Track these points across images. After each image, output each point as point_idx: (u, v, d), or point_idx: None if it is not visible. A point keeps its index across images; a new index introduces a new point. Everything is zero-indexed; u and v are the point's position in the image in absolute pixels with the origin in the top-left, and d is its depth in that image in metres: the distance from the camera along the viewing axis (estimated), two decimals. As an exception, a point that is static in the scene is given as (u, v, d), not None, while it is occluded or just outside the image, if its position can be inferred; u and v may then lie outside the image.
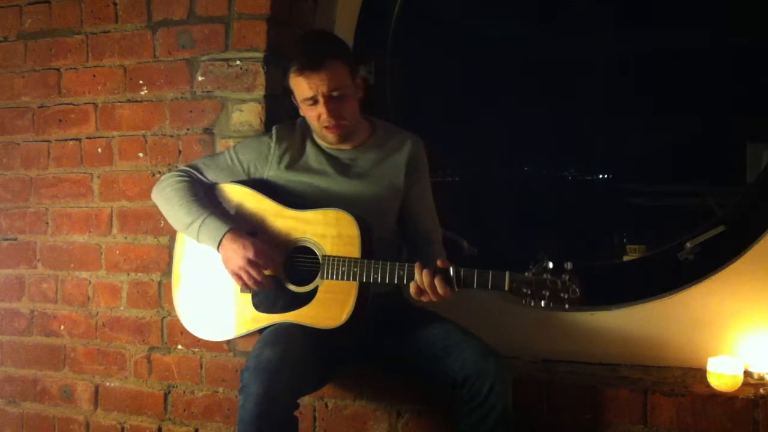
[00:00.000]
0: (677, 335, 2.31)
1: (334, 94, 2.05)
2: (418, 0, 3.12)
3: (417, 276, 1.92)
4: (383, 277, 1.96)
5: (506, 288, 1.87)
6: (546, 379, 2.18)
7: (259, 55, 2.41)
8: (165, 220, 2.26)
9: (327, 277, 2.01)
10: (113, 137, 2.61)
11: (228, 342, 2.42)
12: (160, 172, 2.51)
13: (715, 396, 2.03)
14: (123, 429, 2.57)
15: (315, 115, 2.10)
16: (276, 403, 1.84)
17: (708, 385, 2.09)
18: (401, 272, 1.95)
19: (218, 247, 2.07)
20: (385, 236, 2.13)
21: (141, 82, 2.56)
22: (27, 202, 2.74)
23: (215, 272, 2.15)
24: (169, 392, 2.53)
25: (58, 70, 2.68)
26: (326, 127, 2.10)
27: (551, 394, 2.14)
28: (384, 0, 2.78)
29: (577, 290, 1.83)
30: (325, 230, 2.05)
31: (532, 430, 2.12)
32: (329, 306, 2.02)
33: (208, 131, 2.48)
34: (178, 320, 2.28)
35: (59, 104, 2.68)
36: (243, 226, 2.12)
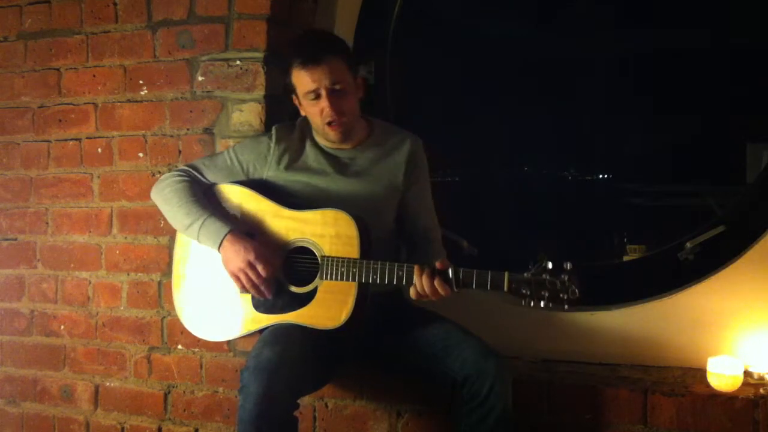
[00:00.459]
0: (677, 335, 2.31)
1: (336, 87, 2.07)
2: (418, 0, 3.12)
3: (416, 280, 1.92)
4: (382, 278, 1.96)
5: (505, 288, 1.87)
6: (546, 379, 2.18)
7: (259, 55, 2.41)
8: (165, 220, 2.26)
9: (326, 278, 2.01)
10: (113, 137, 2.61)
11: (228, 342, 2.42)
12: (160, 172, 2.51)
13: (715, 396, 2.03)
14: (123, 429, 2.57)
15: (317, 111, 2.10)
16: (275, 403, 1.85)
17: (708, 385, 2.09)
18: (400, 273, 1.95)
19: (219, 248, 2.08)
20: (382, 235, 2.13)
21: (141, 82, 2.56)
22: (27, 202, 2.74)
23: (215, 272, 2.15)
24: (169, 392, 2.53)
25: (58, 70, 2.68)
26: (329, 123, 2.11)
27: (551, 394, 2.14)
28: (384, 0, 2.77)
29: (576, 290, 1.83)
30: (324, 230, 2.05)
31: (532, 430, 2.12)
32: (329, 306, 2.02)
33: (208, 131, 2.48)
34: (178, 320, 2.28)
35: (59, 104, 2.68)
36: (241, 226, 2.12)
